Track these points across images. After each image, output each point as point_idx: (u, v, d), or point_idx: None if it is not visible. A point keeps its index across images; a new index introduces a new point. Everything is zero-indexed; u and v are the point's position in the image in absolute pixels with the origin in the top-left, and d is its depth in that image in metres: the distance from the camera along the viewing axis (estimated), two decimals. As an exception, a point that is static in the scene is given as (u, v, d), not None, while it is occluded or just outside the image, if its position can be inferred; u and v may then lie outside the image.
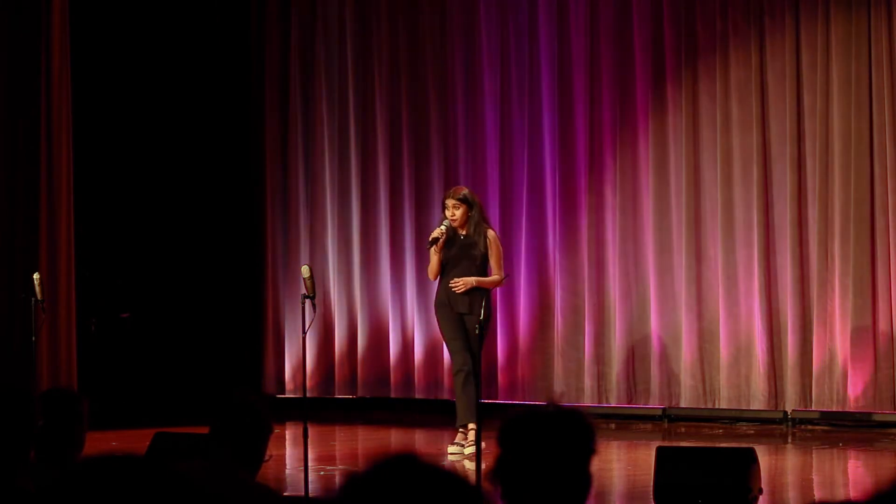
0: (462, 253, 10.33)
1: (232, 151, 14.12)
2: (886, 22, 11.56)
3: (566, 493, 3.13)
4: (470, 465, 9.55)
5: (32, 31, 12.32)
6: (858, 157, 11.60)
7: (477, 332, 9.03)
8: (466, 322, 10.22)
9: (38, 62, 12.30)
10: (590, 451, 3.18)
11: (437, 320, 10.62)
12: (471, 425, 10.12)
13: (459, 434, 10.31)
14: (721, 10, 12.18)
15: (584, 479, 3.16)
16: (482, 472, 8.27)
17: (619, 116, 12.59)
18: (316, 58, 13.84)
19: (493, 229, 10.58)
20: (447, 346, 10.70)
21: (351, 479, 2.36)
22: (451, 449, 10.24)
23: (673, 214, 12.34)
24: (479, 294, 10.19)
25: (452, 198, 10.34)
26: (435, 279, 10.53)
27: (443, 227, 10.32)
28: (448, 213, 10.31)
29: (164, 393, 13.35)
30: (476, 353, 10.12)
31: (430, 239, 10.40)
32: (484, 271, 10.36)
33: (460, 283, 10.29)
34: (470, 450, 9.90)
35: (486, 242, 10.31)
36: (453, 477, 2.37)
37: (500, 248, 10.49)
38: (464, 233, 10.33)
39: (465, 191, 10.48)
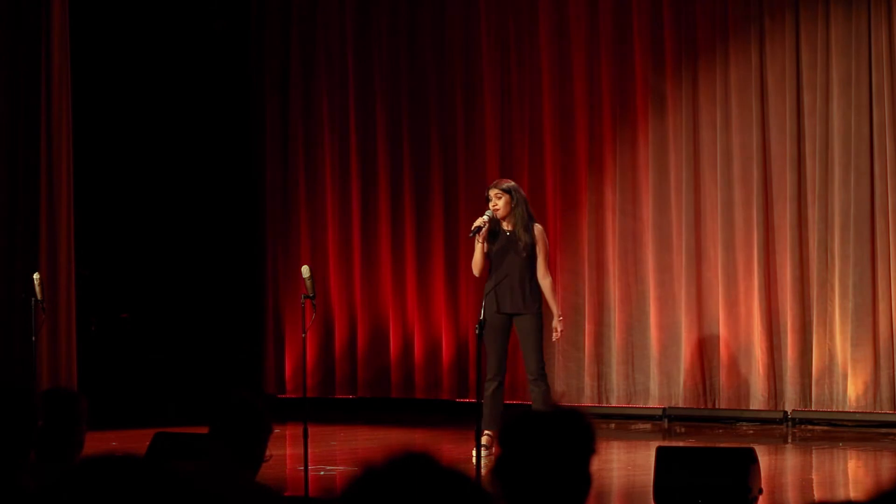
0: (508, 248, 10.02)
1: (232, 151, 14.12)
2: (886, 21, 11.56)
3: (566, 493, 3.13)
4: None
5: (32, 31, 12.32)
6: (858, 156, 11.60)
7: (477, 332, 8.96)
8: (517, 323, 9.98)
9: (38, 62, 12.31)
10: (590, 451, 3.18)
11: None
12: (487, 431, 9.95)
13: (484, 437, 10.14)
14: (721, 10, 12.18)
15: (584, 479, 3.16)
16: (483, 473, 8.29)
17: (619, 116, 12.60)
18: (316, 58, 13.84)
19: (539, 224, 10.20)
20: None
21: (364, 474, 2.36)
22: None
23: (673, 214, 12.34)
24: (529, 290, 10.00)
25: (495, 188, 10.04)
26: (479, 274, 10.18)
27: (485, 217, 10.00)
28: (491, 204, 10.01)
29: (164, 393, 13.35)
30: (530, 354, 9.94)
31: (473, 227, 10.03)
32: (531, 266, 10.02)
33: (559, 334, 10.13)
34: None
35: (531, 237, 10.02)
36: (464, 477, 2.37)
37: (548, 244, 10.19)
38: (509, 228, 10.04)
39: (508, 182, 10.18)
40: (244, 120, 14.12)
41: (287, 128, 13.96)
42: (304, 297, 8.77)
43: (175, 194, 13.98)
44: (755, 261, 11.94)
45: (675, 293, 12.29)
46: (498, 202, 9.98)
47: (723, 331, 12.05)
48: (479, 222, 10.02)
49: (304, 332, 8.93)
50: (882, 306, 11.55)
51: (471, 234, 10.11)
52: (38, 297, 10.88)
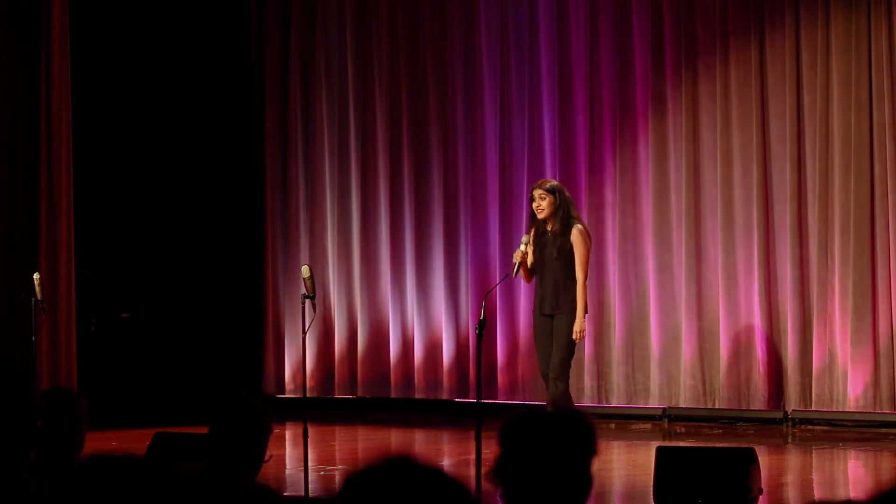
0: (548, 249, 9.98)
1: (232, 151, 14.12)
2: (886, 21, 11.56)
3: (566, 494, 3.13)
4: None
5: (32, 31, 12.32)
6: (858, 156, 11.60)
7: (477, 332, 8.93)
8: (554, 324, 9.95)
9: (38, 62, 12.31)
10: (591, 452, 3.17)
11: None
12: None
13: None
14: (721, 10, 12.18)
15: (584, 480, 3.16)
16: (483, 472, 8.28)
17: (619, 116, 12.59)
18: (316, 58, 13.84)
19: (582, 224, 10.09)
20: None
21: (348, 480, 2.37)
22: None
23: (673, 214, 12.34)
24: (565, 291, 9.93)
25: (539, 188, 10.01)
26: (530, 282, 10.34)
27: (521, 249, 9.92)
28: (534, 205, 9.97)
29: (164, 393, 13.35)
30: (555, 353, 9.87)
31: (514, 266, 9.89)
32: (567, 266, 9.93)
33: (577, 335, 9.91)
34: None
35: (569, 238, 9.91)
36: (447, 478, 2.38)
37: (586, 244, 9.97)
38: (550, 228, 9.97)
39: (552, 182, 10.17)
40: (244, 120, 14.12)
41: (287, 128, 13.96)
42: (304, 297, 8.77)
43: (175, 194, 13.98)
44: (755, 261, 11.94)
45: (675, 293, 12.29)
46: (542, 203, 9.94)
47: (723, 331, 12.04)
48: (517, 257, 9.89)
49: (304, 332, 8.93)
50: (882, 306, 11.55)
51: (514, 274, 10.00)
52: (38, 297, 10.88)
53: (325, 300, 13.44)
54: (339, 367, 13.63)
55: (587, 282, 10.01)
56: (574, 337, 9.89)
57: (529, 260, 10.05)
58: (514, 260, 9.91)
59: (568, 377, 9.96)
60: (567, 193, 10.10)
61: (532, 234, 10.05)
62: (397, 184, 13.50)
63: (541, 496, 3.10)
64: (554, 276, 9.96)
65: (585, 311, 9.95)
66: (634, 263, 12.48)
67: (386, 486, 2.35)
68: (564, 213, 9.94)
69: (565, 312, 9.90)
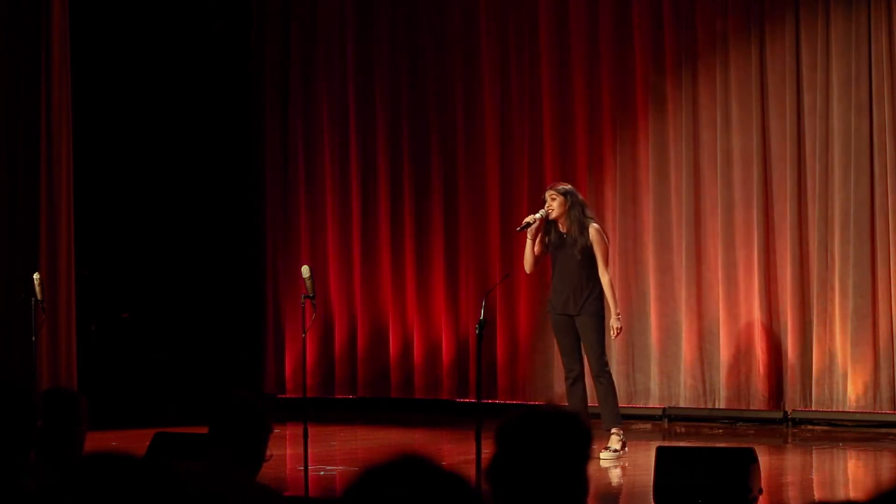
0: (564, 250, 10.15)
1: (232, 151, 14.12)
2: (886, 21, 11.56)
3: (562, 497, 3.12)
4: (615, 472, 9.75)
5: (32, 31, 12.32)
6: (858, 156, 11.60)
7: (477, 332, 8.93)
8: (576, 322, 10.11)
9: (38, 62, 12.31)
10: (586, 457, 3.15)
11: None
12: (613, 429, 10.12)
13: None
14: (721, 10, 12.18)
15: (580, 486, 3.14)
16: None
17: (619, 116, 12.59)
18: (316, 58, 13.84)
19: (598, 223, 10.30)
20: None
21: (358, 477, 2.37)
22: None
23: (673, 214, 12.34)
24: (586, 292, 10.09)
25: (551, 189, 10.20)
26: (529, 271, 10.43)
27: (537, 215, 10.13)
28: (546, 206, 10.14)
29: (164, 393, 13.35)
30: (589, 353, 10.06)
31: (523, 223, 10.23)
32: (587, 267, 10.10)
33: (615, 331, 10.22)
34: (605, 454, 9.99)
35: (586, 238, 10.09)
36: (455, 477, 2.38)
37: (605, 242, 10.21)
38: (564, 230, 10.13)
39: (565, 185, 10.32)
40: (244, 120, 14.11)
41: (287, 128, 13.96)
42: (304, 297, 8.78)
43: (175, 194, 13.98)
44: (755, 261, 11.94)
45: (675, 293, 12.28)
46: (552, 203, 10.12)
47: (723, 331, 12.04)
48: (529, 219, 10.18)
49: (304, 332, 8.94)
50: (882, 306, 11.54)
51: (518, 229, 10.33)
52: (38, 297, 10.88)
53: (325, 300, 13.43)
54: (339, 367, 13.63)
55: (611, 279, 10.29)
56: (613, 335, 10.30)
57: (537, 247, 10.20)
58: (528, 220, 10.12)
59: (608, 366, 10.32)
60: (580, 197, 10.31)
61: (542, 221, 10.15)
62: (397, 183, 13.50)
63: (534, 499, 3.09)
64: (574, 276, 10.15)
65: (617, 308, 10.25)
66: (634, 263, 12.48)
67: (396, 484, 2.35)
68: (579, 215, 10.12)
69: (589, 313, 10.13)
